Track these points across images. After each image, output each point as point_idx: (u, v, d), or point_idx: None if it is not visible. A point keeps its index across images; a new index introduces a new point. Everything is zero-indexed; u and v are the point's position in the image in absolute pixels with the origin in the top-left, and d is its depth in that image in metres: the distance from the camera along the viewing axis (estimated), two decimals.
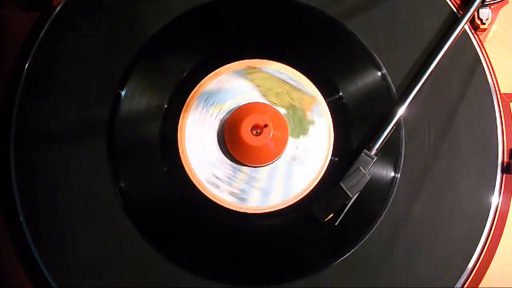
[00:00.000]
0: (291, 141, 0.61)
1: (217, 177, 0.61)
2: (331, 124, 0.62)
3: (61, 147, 0.61)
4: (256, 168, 0.61)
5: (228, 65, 0.63)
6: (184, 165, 0.61)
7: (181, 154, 0.61)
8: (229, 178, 0.61)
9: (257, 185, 0.61)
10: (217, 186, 0.61)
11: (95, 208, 0.60)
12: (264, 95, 0.62)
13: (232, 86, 0.62)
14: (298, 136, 0.62)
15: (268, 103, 0.62)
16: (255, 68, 0.63)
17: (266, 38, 0.64)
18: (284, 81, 0.62)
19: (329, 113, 0.62)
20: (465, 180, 0.60)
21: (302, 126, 0.62)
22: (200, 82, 0.63)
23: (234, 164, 0.61)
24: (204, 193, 0.60)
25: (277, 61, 0.63)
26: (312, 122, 0.62)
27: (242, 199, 0.60)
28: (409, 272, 0.59)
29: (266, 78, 0.63)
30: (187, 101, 0.62)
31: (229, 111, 0.62)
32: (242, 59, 0.63)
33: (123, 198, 0.60)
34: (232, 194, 0.60)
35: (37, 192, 0.60)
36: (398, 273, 0.59)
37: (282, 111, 0.62)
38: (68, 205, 0.60)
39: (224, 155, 0.61)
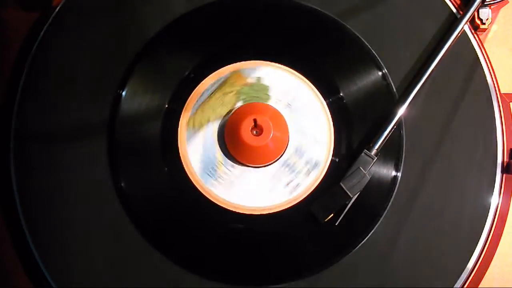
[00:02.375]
0: (271, 103, 0.61)
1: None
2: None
3: (61, 147, 0.61)
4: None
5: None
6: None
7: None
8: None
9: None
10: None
11: (95, 208, 0.60)
12: (219, 118, 0.62)
13: (199, 148, 0.62)
14: (268, 95, 0.62)
15: (227, 115, 0.61)
16: (189, 118, 0.62)
17: (266, 38, 0.64)
18: (209, 95, 0.62)
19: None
20: (465, 180, 0.60)
21: (259, 90, 0.62)
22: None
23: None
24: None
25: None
26: (258, 79, 0.62)
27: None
28: (409, 272, 0.59)
29: (201, 111, 0.62)
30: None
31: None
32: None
33: (123, 198, 0.60)
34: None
35: (37, 192, 0.60)
36: (398, 273, 0.59)
37: (240, 103, 0.62)
38: (68, 205, 0.60)
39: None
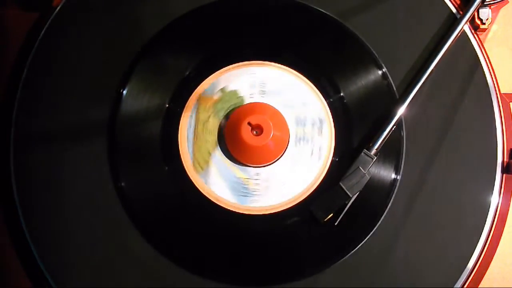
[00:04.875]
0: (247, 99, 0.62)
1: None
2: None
3: (61, 147, 0.61)
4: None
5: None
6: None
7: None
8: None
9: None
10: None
11: (95, 208, 0.60)
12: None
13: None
14: (242, 99, 0.62)
15: (219, 130, 0.62)
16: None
17: (266, 38, 0.64)
18: (190, 117, 0.62)
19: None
20: (465, 180, 0.60)
21: (233, 99, 0.62)
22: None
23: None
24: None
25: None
26: (222, 90, 0.62)
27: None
28: (409, 272, 0.59)
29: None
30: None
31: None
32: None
33: (123, 198, 0.60)
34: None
35: (37, 192, 0.60)
36: (398, 273, 0.59)
37: (222, 113, 0.62)
38: (68, 205, 0.60)
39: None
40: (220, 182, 0.60)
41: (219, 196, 0.60)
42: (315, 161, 0.61)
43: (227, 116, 0.62)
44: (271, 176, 0.61)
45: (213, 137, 0.62)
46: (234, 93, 0.62)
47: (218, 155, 0.61)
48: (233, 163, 0.61)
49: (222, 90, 0.62)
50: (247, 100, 0.62)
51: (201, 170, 0.60)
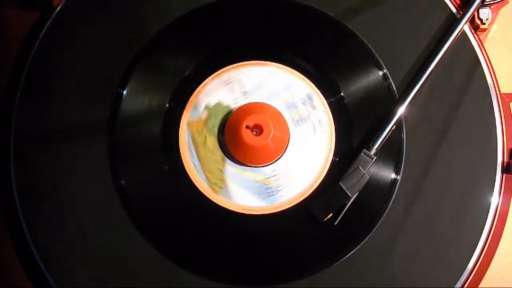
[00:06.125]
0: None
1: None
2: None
3: (61, 147, 0.61)
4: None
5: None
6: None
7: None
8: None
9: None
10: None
11: (95, 208, 0.60)
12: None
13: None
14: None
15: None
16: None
17: (266, 38, 0.64)
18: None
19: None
20: (465, 180, 0.60)
21: (221, 113, 0.62)
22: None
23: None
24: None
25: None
26: (207, 108, 0.62)
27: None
28: (409, 272, 0.59)
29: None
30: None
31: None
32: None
33: (123, 198, 0.60)
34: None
35: (37, 192, 0.60)
36: (398, 273, 0.59)
37: (219, 135, 0.62)
38: (68, 205, 0.60)
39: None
40: (243, 192, 0.60)
41: (251, 207, 0.60)
42: (320, 134, 0.61)
43: (223, 128, 0.62)
44: (287, 165, 0.61)
45: (218, 153, 0.62)
46: (219, 105, 0.62)
47: (230, 169, 0.61)
48: (246, 169, 0.61)
49: (207, 107, 0.62)
50: (234, 106, 0.62)
51: (220, 189, 0.60)
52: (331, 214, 0.58)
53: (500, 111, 0.62)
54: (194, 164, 0.61)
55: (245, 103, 0.62)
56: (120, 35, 0.63)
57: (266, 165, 0.61)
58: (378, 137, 0.59)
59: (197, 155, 0.61)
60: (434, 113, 0.62)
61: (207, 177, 0.61)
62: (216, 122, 0.62)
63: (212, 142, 0.62)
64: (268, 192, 0.60)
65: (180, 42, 0.64)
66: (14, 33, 0.64)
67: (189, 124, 0.62)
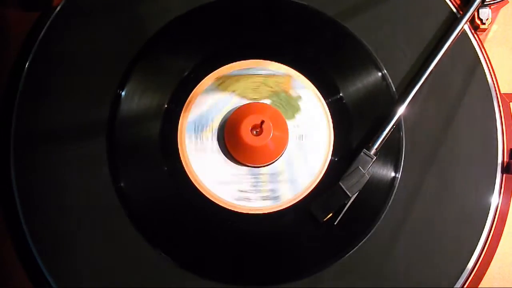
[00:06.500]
0: (290, 123, 0.61)
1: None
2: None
3: (61, 147, 0.61)
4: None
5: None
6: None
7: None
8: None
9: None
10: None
11: (95, 208, 0.60)
12: (243, 96, 0.62)
13: (211, 103, 0.62)
14: (294, 116, 0.62)
15: (250, 101, 0.62)
16: (223, 76, 0.62)
17: (266, 38, 0.64)
18: (254, 74, 0.62)
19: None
20: (465, 180, 0.60)
21: (292, 105, 0.62)
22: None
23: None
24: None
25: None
26: (299, 97, 0.62)
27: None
28: (409, 272, 0.59)
29: (237, 80, 0.62)
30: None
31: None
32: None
33: (123, 198, 0.60)
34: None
35: (37, 192, 0.60)
36: (398, 273, 0.59)
37: (268, 101, 0.62)
38: (68, 205, 0.60)
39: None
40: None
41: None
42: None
43: (273, 103, 0.62)
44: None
45: (249, 94, 0.62)
46: (297, 107, 0.62)
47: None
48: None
49: (299, 97, 0.62)
50: (281, 95, 0.62)
51: (217, 86, 0.61)
52: (331, 214, 0.58)
53: (500, 111, 0.62)
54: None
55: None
56: (119, 35, 0.63)
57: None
58: (378, 137, 0.59)
59: (257, 76, 0.62)
60: (434, 113, 0.62)
61: (234, 76, 0.61)
62: (281, 102, 0.62)
63: (264, 92, 0.62)
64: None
65: (179, 42, 0.64)
66: (14, 33, 0.64)
67: (287, 75, 0.62)
